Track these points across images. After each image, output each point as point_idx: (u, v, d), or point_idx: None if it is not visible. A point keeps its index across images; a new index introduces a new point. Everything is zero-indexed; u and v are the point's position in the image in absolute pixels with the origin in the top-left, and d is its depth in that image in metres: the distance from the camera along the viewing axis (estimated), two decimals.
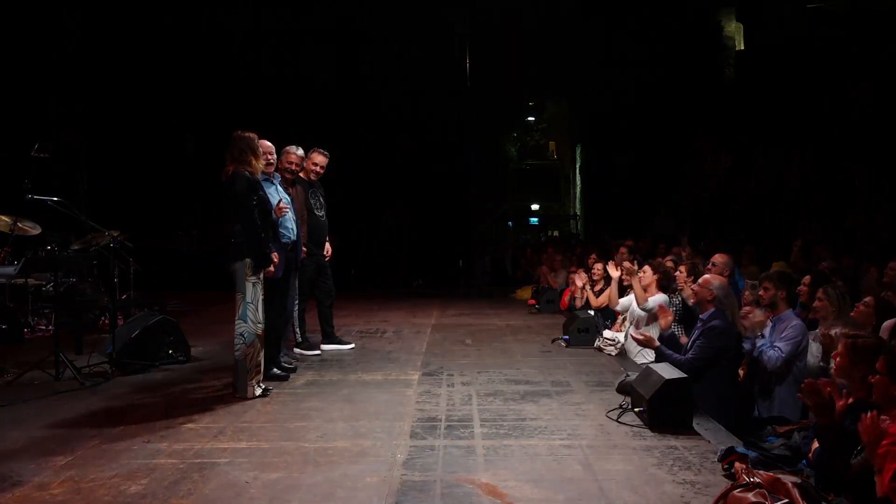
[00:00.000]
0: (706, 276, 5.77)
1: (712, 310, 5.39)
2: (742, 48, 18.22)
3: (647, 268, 6.82)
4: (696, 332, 5.43)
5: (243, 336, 5.34)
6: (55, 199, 6.30)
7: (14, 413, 5.05)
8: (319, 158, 7.06)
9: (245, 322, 5.34)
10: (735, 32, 18.45)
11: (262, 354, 5.50)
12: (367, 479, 3.72)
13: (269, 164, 5.98)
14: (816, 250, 9.20)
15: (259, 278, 5.42)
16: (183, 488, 3.60)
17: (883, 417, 2.86)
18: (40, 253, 8.50)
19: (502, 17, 18.48)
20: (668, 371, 4.71)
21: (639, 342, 5.91)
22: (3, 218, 8.25)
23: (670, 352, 5.50)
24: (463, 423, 4.73)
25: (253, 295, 5.36)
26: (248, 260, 5.33)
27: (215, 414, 4.97)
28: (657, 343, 5.62)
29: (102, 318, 8.49)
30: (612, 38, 18.40)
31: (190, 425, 4.72)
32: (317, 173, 7.06)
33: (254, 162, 5.47)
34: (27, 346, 7.72)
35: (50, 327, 8.34)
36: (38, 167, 8.71)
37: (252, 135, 5.53)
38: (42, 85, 13.50)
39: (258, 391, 5.41)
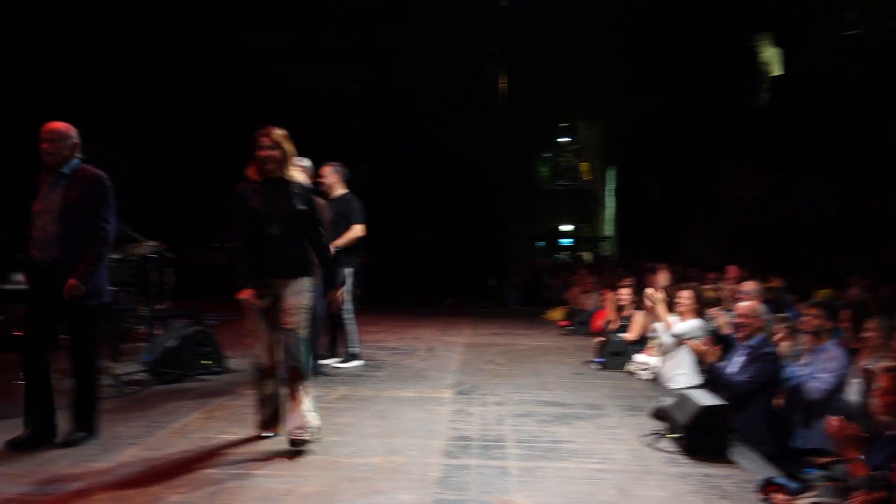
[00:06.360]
0: (747, 303, 5.67)
1: (762, 336, 5.36)
2: (780, 73, 18.14)
3: (685, 293, 6.76)
4: (747, 357, 5.39)
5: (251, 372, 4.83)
6: None
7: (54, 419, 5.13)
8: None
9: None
10: (772, 57, 18.38)
11: (272, 391, 4.70)
12: (402, 497, 3.73)
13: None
14: (850, 280, 9.08)
15: (262, 301, 4.62)
16: (221, 499, 3.65)
17: None
18: None
19: (537, 37, 18.54)
20: (705, 398, 4.68)
21: (698, 353, 5.91)
22: None
23: (725, 368, 5.52)
24: (496, 443, 4.72)
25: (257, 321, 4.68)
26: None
27: (248, 424, 4.99)
28: (714, 357, 5.63)
29: (139, 328, 8.60)
30: (647, 61, 18.39)
31: (227, 436, 4.77)
32: None
33: (251, 166, 4.69)
34: (65, 352, 7.82)
35: None
36: None
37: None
38: (79, 96, 13.80)
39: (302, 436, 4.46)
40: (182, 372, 6.52)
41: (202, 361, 6.74)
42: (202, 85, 16.17)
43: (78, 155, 4.55)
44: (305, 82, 17.72)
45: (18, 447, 4.35)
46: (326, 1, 16.12)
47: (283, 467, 4.16)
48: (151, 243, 7.29)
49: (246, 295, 4.59)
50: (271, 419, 4.74)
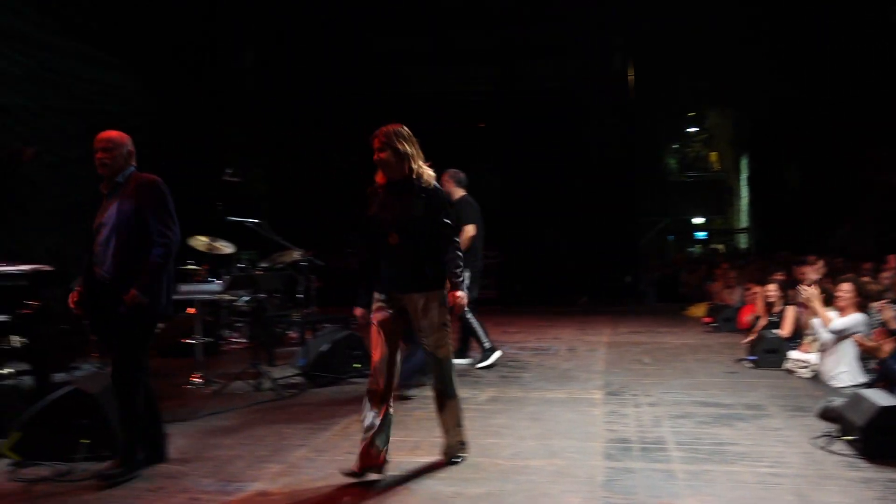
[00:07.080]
0: None
1: None
2: None
3: (845, 286, 6.39)
4: None
5: None
6: (254, 220, 6.74)
7: (225, 421, 5.42)
8: None
9: None
10: None
11: (372, 422, 4.14)
12: (570, 500, 3.70)
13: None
14: None
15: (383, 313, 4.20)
16: (393, 500, 3.74)
17: None
18: (236, 271, 9.07)
19: (663, 25, 18.03)
20: (882, 397, 4.41)
21: (866, 349, 5.57)
22: (201, 238, 8.88)
23: None
24: (657, 445, 4.62)
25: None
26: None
27: (408, 427, 5.09)
28: (885, 353, 5.29)
29: (291, 333, 8.99)
30: (781, 40, 17.53)
31: None
32: None
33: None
34: (224, 358, 8.28)
35: (242, 340, 8.91)
36: (229, 190, 9.31)
37: None
38: (224, 115, 14.51)
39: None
40: (335, 375, 6.73)
41: (354, 365, 6.93)
42: (335, 92, 16.65)
43: (133, 164, 4.35)
44: (432, 85, 18.01)
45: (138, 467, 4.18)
46: (451, 3, 16.29)
47: (445, 470, 4.21)
48: (299, 251, 7.58)
49: (358, 312, 4.32)
50: (369, 452, 4.07)
